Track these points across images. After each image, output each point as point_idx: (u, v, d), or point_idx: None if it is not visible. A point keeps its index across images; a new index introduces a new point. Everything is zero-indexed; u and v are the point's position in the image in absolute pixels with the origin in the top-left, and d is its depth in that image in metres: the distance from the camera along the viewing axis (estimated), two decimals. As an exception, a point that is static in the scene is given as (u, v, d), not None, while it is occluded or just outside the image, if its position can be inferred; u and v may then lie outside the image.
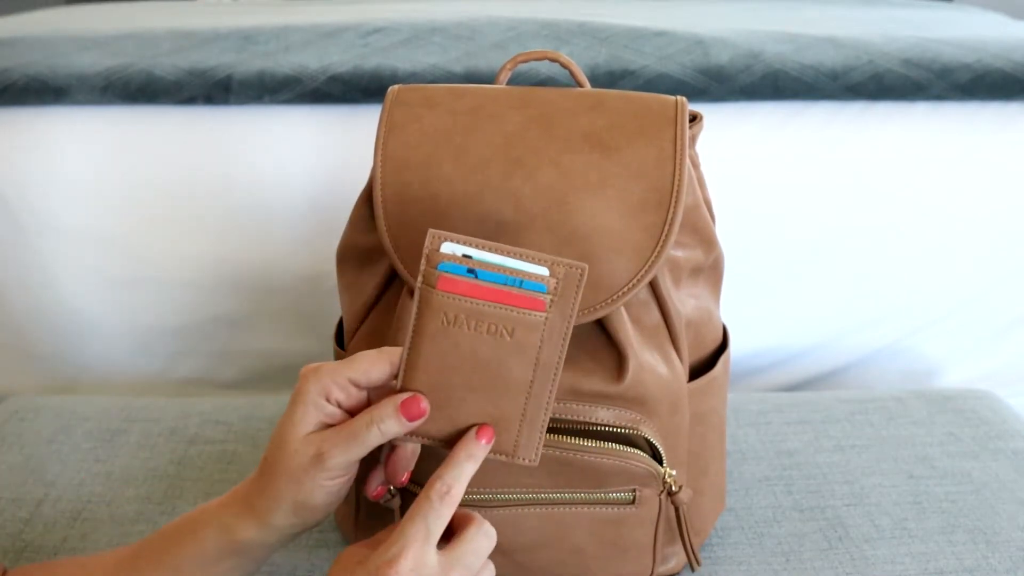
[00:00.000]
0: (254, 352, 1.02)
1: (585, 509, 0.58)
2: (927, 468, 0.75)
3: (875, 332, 1.00)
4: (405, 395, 0.47)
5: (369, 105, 0.95)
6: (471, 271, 0.47)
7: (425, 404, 0.47)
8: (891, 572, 0.63)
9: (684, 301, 0.60)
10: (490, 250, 0.48)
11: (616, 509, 0.58)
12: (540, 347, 0.48)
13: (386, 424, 0.47)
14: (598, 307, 0.55)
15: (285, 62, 0.98)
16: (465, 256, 0.48)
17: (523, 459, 0.50)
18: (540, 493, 0.57)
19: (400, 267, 0.57)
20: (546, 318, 0.47)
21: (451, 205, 0.56)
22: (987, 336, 1.01)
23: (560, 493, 0.57)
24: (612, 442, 0.56)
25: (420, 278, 0.48)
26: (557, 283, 0.47)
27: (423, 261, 0.47)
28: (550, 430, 0.56)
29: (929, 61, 0.97)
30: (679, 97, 0.59)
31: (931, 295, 0.98)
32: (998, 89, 0.96)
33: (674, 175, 0.56)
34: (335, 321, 0.71)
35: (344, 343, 0.65)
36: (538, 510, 0.58)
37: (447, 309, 0.47)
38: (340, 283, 0.64)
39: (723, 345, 0.66)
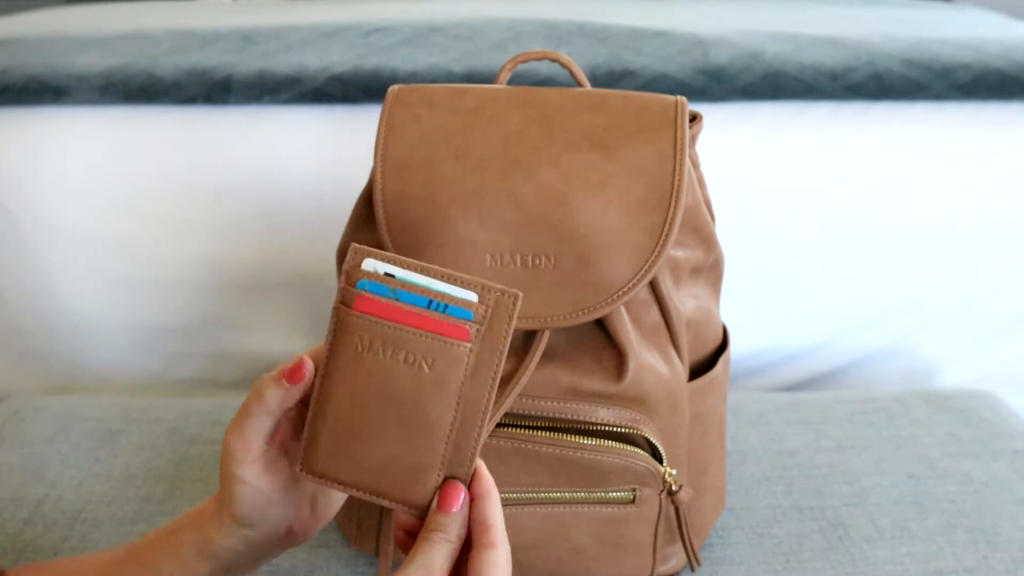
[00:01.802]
0: (254, 352, 1.02)
1: (585, 508, 0.58)
2: (927, 468, 0.75)
3: (875, 332, 1.00)
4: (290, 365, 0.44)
5: (369, 105, 0.95)
6: (392, 292, 0.43)
7: (309, 367, 0.44)
8: (891, 572, 0.63)
9: (684, 301, 0.60)
10: (415, 270, 0.43)
11: (616, 508, 0.58)
12: (463, 383, 0.42)
13: (269, 391, 0.44)
14: (598, 307, 0.55)
15: (285, 62, 0.98)
16: (387, 275, 0.43)
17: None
18: (540, 492, 0.57)
19: (400, 267, 0.57)
20: (471, 350, 0.42)
21: (451, 205, 0.56)
22: (987, 336, 1.01)
23: (560, 492, 0.57)
24: (612, 441, 0.56)
25: (337, 296, 0.44)
26: (487, 311, 0.42)
27: (341, 278, 0.43)
28: (551, 429, 0.56)
29: (929, 61, 0.97)
30: (679, 97, 0.59)
31: (931, 295, 0.98)
32: (998, 89, 0.96)
33: (674, 175, 0.56)
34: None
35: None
36: (538, 509, 0.58)
37: (363, 332, 0.42)
38: (340, 283, 0.64)
39: (723, 345, 0.66)
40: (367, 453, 0.43)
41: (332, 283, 0.95)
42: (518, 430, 0.56)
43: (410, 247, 0.56)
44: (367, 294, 0.43)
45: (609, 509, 0.58)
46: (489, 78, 0.94)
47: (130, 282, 0.97)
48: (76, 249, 0.96)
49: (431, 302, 0.42)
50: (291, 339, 1.01)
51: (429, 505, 0.43)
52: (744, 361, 1.01)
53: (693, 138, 0.62)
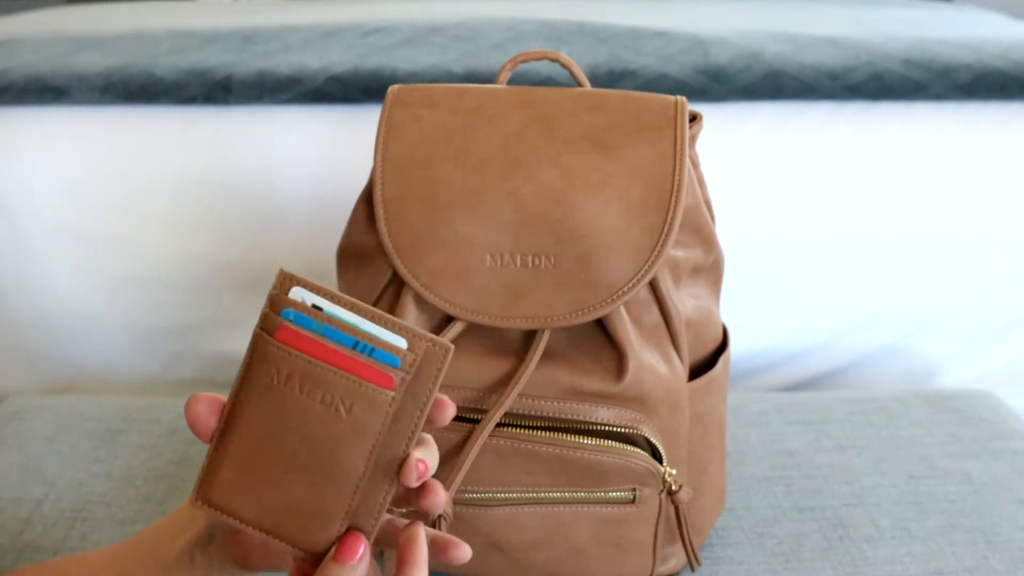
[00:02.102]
0: (254, 352, 1.01)
1: (585, 508, 0.58)
2: (927, 468, 0.75)
3: (875, 332, 1.00)
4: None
5: (369, 105, 0.95)
6: (319, 326, 0.40)
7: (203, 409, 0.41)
8: (891, 572, 0.63)
9: (684, 301, 0.60)
10: (345, 306, 0.41)
11: (616, 508, 0.58)
12: (380, 432, 0.40)
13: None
14: (598, 307, 0.55)
15: (285, 62, 0.98)
16: (315, 307, 0.41)
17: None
18: (540, 492, 0.57)
19: (400, 267, 0.57)
20: (393, 398, 0.40)
21: (451, 205, 0.56)
22: (987, 336, 1.01)
23: (560, 492, 0.57)
24: (612, 441, 0.56)
25: (259, 322, 0.41)
26: (415, 359, 0.40)
27: (266, 303, 0.41)
28: (550, 429, 0.56)
29: (929, 61, 0.97)
30: (679, 97, 0.59)
31: (931, 295, 0.98)
32: (998, 89, 0.96)
33: (674, 175, 0.56)
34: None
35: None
36: (538, 509, 0.58)
37: (280, 365, 0.40)
38: (340, 283, 0.64)
39: (723, 345, 0.66)
40: (270, 492, 0.40)
41: (332, 283, 0.95)
42: (518, 430, 0.56)
43: (410, 247, 0.57)
44: (291, 325, 0.41)
45: (609, 509, 0.58)
46: (489, 78, 0.94)
47: (130, 282, 0.97)
48: (76, 249, 0.96)
49: (357, 343, 0.40)
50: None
51: (326, 553, 0.41)
52: (744, 361, 1.01)
53: (693, 138, 0.62)
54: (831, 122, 0.96)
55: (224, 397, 0.42)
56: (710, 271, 0.64)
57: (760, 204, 0.95)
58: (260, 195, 0.95)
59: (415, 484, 0.40)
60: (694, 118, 0.62)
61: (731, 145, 0.95)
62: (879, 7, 1.52)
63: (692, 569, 0.62)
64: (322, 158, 0.94)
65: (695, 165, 0.63)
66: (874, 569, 0.63)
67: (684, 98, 0.59)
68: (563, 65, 0.65)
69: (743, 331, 0.97)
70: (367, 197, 0.61)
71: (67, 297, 0.97)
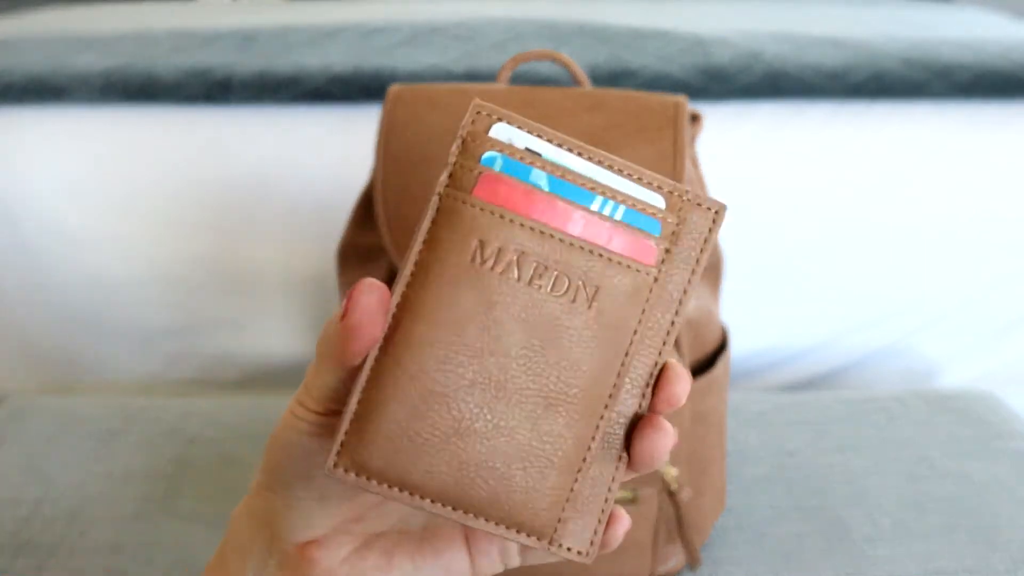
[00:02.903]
0: (254, 352, 1.02)
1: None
2: (927, 468, 0.75)
3: (875, 332, 1.00)
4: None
5: (369, 105, 0.95)
6: (537, 176, 0.28)
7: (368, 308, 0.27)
8: (891, 572, 0.63)
9: (684, 301, 0.60)
10: (573, 150, 0.28)
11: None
12: (637, 330, 0.28)
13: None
14: (598, 307, 0.55)
15: (285, 62, 0.98)
16: (530, 151, 0.28)
17: (572, 548, 0.29)
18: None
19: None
20: (655, 279, 0.28)
21: (451, 205, 0.56)
22: (987, 336, 1.01)
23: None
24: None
25: (445, 175, 0.28)
26: (677, 224, 0.29)
27: (455, 146, 0.28)
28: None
29: (929, 61, 0.97)
30: (679, 97, 0.59)
31: (931, 295, 0.98)
32: (998, 89, 0.96)
33: (674, 175, 0.56)
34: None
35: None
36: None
37: (486, 234, 0.27)
38: (341, 282, 0.64)
39: (723, 345, 0.66)
40: (466, 437, 0.27)
41: (333, 283, 0.95)
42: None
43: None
44: (496, 173, 0.28)
45: (609, 509, 0.58)
46: (489, 78, 0.94)
47: (130, 282, 0.97)
48: (76, 249, 0.96)
49: (601, 200, 0.28)
50: (291, 339, 1.01)
51: (554, 535, 0.28)
52: (744, 361, 1.01)
53: (693, 138, 0.62)
54: (831, 122, 0.96)
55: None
56: (710, 271, 0.64)
57: (760, 204, 0.95)
58: (260, 195, 0.95)
59: (677, 403, 0.30)
60: (694, 118, 0.62)
61: (731, 145, 0.95)
62: (879, 7, 1.52)
63: (692, 569, 0.62)
64: (322, 158, 0.94)
65: (695, 165, 0.63)
66: (874, 569, 0.63)
67: (684, 98, 0.59)
68: (563, 65, 0.65)
69: (743, 331, 0.97)
70: (367, 196, 0.61)
71: (67, 297, 0.97)
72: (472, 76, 0.95)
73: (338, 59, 0.98)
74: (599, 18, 1.17)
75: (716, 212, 0.29)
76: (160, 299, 0.98)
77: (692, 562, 0.61)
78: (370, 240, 0.60)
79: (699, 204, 0.29)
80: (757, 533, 0.67)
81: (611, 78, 0.95)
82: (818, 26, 1.17)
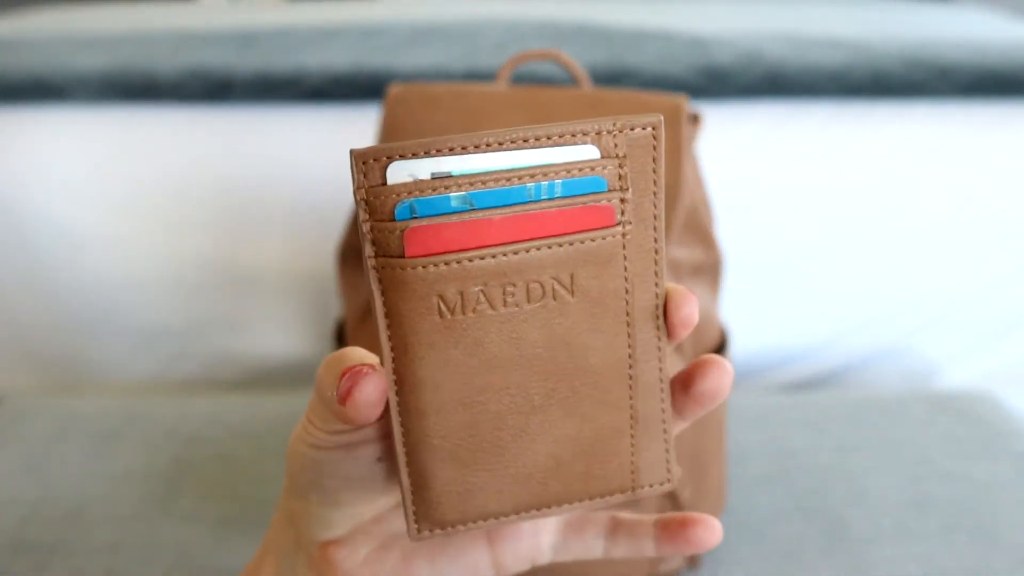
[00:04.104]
0: (254, 352, 1.02)
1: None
2: (928, 469, 0.75)
3: (875, 332, 1.00)
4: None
5: (369, 105, 0.95)
6: (459, 200, 0.25)
7: (371, 388, 0.27)
8: (892, 573, 0.63)
9: (684, 301, 0.60)
10: (480, 147, 0.26)
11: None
12: (627, 285, 0.27)
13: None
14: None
15: (285, 62, 0.98)
16: (436, 176, 0.25)
17: (653, 484, 0.30)
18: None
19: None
20: (622, 234, 0.27)
21: (451, 205, 0.56)
22: (987, 336, 1.01)
23: (560, 493, 0.57)
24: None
25: (369, 248, 0.26)
26: (619, 164, 0.26)
27: (362, 212, 0.26)
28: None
29: (929, 61, 0.97)
30: (679, 97, 0.59)
31: (931, 295, 0.98)
32: (998, 89, 0.96)
33: (674, 174, 0.56)
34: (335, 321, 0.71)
35: (344, 343, 0.65)
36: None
37: (440, 287, 0.26)
38: (340, 283, 0.64)
39: (723, 345, 0.66)
40: (518, 458, 0.28)
41: (332, 283, 0.95)
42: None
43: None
44: (420, 222, 0.25)
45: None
46: (489, 78, 0.94)
47: (130, 282, 0.97)
48: (76, 249, 0.96)
49: (532, 188, 0.26)
50: (291, 339, 1.01)
51: (634, 483, 0.30)
52: (744, 361, 1.01)
53: (693, 138, 0.62)
54: (831, 122, 0.96)
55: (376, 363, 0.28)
56: (710, 271, 0.64)
57: (760, 204, 0.95)
58: (260, 195, 0.95)
59: (692, 323, 0.29)
60: (694, 118, 0.62)
61: (731, 145, 0.95)
62: (879, 7, 1.52)
63: (692, 569, 0.62)
64: (322, 158, 0.94)
65: (695, 165, 0.63)
66: (874, 570, 0.63)
67: (684, 98, 0.59)
68: (564, 65, 0.65)
69: (743, 331, 0.97)
70: (367, 197, 0.61)
71: (68, 297, 0.97)
72: (472, 76, 0.95)
73: (338, 59, 0.98)
74: (599, 18, 1.17)
75: (653, 127, 0.27)
76: (160, 299, 0.98)
77: (692, 562, 0.61)
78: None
79: (631, 129, 0.26)
80: (757, 533, 0.67)
81: (611, 78, 0.95)
82: (818, 26, 1.17)
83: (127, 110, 0.97)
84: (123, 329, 0.99)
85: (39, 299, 0.98)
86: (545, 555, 0.34)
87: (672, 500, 0.58)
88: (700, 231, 0.60)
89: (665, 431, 0.30)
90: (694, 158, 0.63)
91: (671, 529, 0.33)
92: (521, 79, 0.93)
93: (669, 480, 0.30)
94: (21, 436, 0.79)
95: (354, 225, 0.63)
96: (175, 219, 0.95)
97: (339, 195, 0.94)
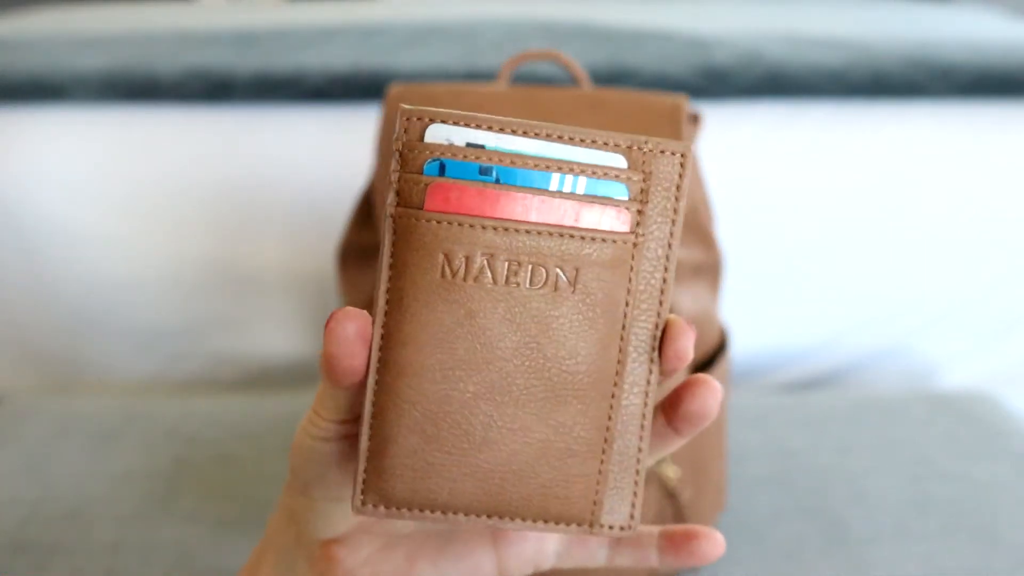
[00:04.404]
0: (254, 352, 1.02)
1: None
2: (928, 469, 0.75)
3: (875, 332, 1.00)
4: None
5: (369, 105, 0.95)
6: (487, 171, 0.27)
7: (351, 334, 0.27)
8: (892, 573, 0.63)
9: (684, 301, 0.60)
10: (517, 131, 0.27)
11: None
12: (628, 301, 0.28)
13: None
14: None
15: (285, 62, 0.98)
16: (472, 146, 0.27)
17: (613, 526, 0.29)
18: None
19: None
20: (634, 244, 0.27)
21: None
22: (987, 336, 1.01)
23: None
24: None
25: (392, 195, 0.27)
26: (644, 180, 0.27)
27: (395, 161, 0.27)
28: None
29: (929, 61, 0.97)
30: (679, 97, 0.59)
31: (931, 295, 0.98)
32: (998, 89, 0.96)
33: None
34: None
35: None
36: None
37: (448, 246, 0.26)
38: (340, 282, 0.64)
39: (723, 345, 0.66)
40: (483, 448, 0.27)
41: (332, 283, 0.95)
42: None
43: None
44: (445, 180, 0.26)
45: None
46: (489, 78, 0.94)
47: (130, 282, 0.97)
48: (76, 249, 0.96)
49: (557, 177, 0.27)
50: (291, 339, 1.01)
51: (592, 518, 0.28)
52: (744, 361, 1.01)
53: (693, 138, 0.62)
54: (831, 122, 0.96)
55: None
56: (710, 271, 0.64)
57: (760, 204, 0.95)
58: (260, 195, 0.95)
59: (686, 358, 0.29)
60: (694, 118, 0.62)
61: (731, 145, 0.95)
62: (879, 7, 1.52)
63: (692, 569, 0.62)
64: (322, 158, 0.94)
65: (695, 165, 0.63)
66: (874, 569, 0.63)
67: (684, 98, 0.59)
68: (564, 65, 0.65)
69: (743, 331, 0.97)
70: (367, 196, 0.61)
71: (67, 297, 0.97)
72: (472, 76, 0.95)
73: (338, 59, 0.98)
74: (599, 18, 1.17)
75: (682, 155, 0.28)
76: (160, 299, 0.98)
77: (692, 562, 0.61)
78: (370, 240, 0.60)
79: (662, 152, 0.27)
80: (757, 533, 0.67)
81: (611, 78, 0.95)
82: (818, 26, 1.17)
83: (127, 110, 0.97)
84: (123, 329, 0.99)
85: (39, 299, 0.98)
86: (549, 560, 0.34)
87: (672, 500, 0.58)
88: (700, 231, 0.60)
89: (638, 472, 0.29)
90: (694, 158, 0.63)
91: (675, 541, 0.33)
92: (521, 79, 0.93)
93: (631, 527, 0.29)
94: (21, 436, 0.79)
95: (354, 225, 0.63)
96: (175, 219, 0.95)
97: (339, 195, 0.94)
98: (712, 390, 0.29)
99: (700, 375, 0.30)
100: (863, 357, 1.02)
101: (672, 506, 0.59)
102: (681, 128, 0.57)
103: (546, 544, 0.33)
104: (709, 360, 0.64)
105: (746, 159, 0.95)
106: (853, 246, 0.96)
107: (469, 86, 0.61)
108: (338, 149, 0.94)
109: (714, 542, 0.33)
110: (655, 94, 0.60)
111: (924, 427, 0.81)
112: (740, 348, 0.99)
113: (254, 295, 0.98)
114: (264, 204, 0.95)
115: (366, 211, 0.61)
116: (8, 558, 0.64)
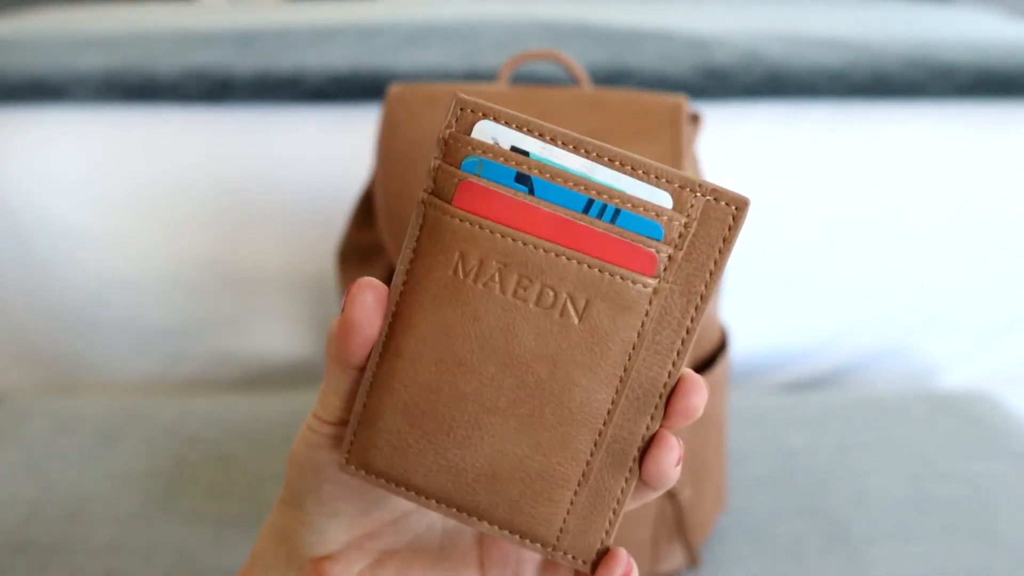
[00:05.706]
0: (254, 352, 1.02)
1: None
2: (928, 469, 0.75)
3: (875, 332, 1.00)
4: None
5: (369, 105, 0.95)
6: (523, 179, 0.26)
7: (368, 310, 0.28)
8: (891, 573, 0.63)
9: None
10: (567, 145, 0.26)
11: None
12: (635, 348, 0.27)
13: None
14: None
15: (285, 62, 0.98)
16: (516, 151, 0.26)
17: (575, 556, 0.28)
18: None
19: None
20: (655, 290, 0.26)
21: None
22: (987, 336, 1.01)
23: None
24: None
25: (429, 181, 0.27)
26: (688, 224, 0.26)
27: (437, 148, 0.27)
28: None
29: (929, 61, 0.97)
30: (679, 97, 0.59)
31: (931, 295, 0.98)
32: (998, 89, 0.96)
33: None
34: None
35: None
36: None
37: (467, 246, 0.26)
38: (340, 282, 0.64)
39: (723, 345, 0.66)
40: (461, 447, 0.27)
41: (332, 283, 0.95)
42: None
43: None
44: (479, 181, 0.26)
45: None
46: (489, 78, 0.94)
47: (130, 282, 0.97)
48: (76, 249, 0.96)
49: (591, 203, 0.26)
50: (291, 339, 1.01)
51: (556, 543, 0.28)
52: (744, 361, 1.01)
53: (693, 138, 0.62)
54: (831, 122, 0.96)
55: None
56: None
57: (760, 204, 0.95)
58: (260, 195, 0.95)
59: (694, 416, 0.28)
60: (694, 118, 0.62)
61: (731, 145, 0.95)
62: (879, 7, 1.52)
63: (692, 569, 0.62)
64: (322, 158, 0.94)
65: (695, 165, 0.63)
66: (874, 569, 0.63)
67: (684, 98, 0.59)
68: (564, 65, 0.65)
69: (743, 331, 0.97)
70: (367, 196, 0.61)
71: (67, 297, 0.97)
72: (472, 76, 0.95)
73: (338, 59, 0.98)
74: (599, 18, 1.17)
75: (736, 208, 0.26)
76: (160, 299, 0.98)
77: (692, 562, 0.61)
78: (370, 240, 0.61)
79: (715, 199, 0.26)
80: (757, 533, 0.67)
81: (611, 78, 0.95)
82: (818, 26, 1.17)
83: (127, 110, 0.97)
84: (123, 329, 0.99)
85: (39, 299, 0.98)
86: None
87: (672, 500, 0.58)
88: (700, 231, 0.60)
89: (615, 512, 0.28)
90: (694, 158, 0.63)
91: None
92: (521, 79, 0.93)
93: (589, 563, 0.28)
94: (21, 436, 0.79)
95: (354, 225, 0.63)
96: (175, 219, 0.95)
97: (339, 194, 0.94)
98: (699, 389, 0.29)
99: (688, 372, 0.29)
100: (863, 357, 1.02)
101: (672, 506, 0.59)
102: (681, 128, 0.57)
103: (524, 567, 0.33)
104: (709, 360, 0.64)
105: (746, 159, 0.95)
106: (853, 246, 0.96)
107: (469, 86, 0.61)
108: (338, 149, 0.94)
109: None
110: (655, 94, 0.60)
111: (924, 427, 0.81)
112: (740, 348, 0.99)
113: (254, 295, 0.98)
114: (264, 204, 0.95)
115: (366, 211, 0.61)
116: (8, 558, 0.64)
